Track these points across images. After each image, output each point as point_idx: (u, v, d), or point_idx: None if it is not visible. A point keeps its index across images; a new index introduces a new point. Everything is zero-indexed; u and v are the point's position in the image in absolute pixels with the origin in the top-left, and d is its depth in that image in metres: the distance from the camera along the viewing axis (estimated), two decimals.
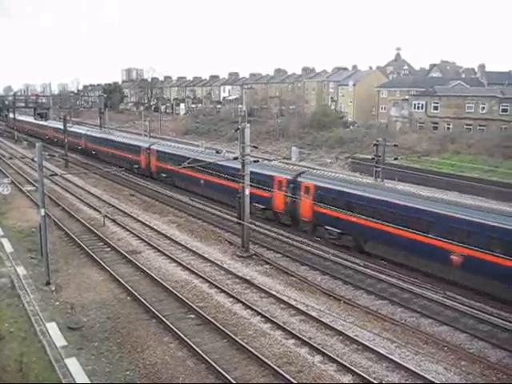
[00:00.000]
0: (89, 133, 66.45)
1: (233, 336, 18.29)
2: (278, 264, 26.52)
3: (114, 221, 34.04)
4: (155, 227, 32.84)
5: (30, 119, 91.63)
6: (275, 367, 16.21)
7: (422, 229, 23.88)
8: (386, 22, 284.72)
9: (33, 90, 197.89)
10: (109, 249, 28.71)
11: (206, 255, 27.55)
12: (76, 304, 21.03)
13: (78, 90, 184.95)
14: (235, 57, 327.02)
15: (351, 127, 76.60)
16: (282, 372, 15.95)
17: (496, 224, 21.45)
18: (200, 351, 17.15)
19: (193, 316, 20.27)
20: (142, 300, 21.35)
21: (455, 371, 16.49)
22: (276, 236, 31.22)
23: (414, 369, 16.41)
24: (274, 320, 19.76)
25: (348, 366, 16.53)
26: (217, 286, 23.20)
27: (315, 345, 17.85)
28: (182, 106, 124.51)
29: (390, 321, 20.12)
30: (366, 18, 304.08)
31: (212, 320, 19.53)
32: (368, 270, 25.50)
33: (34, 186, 41.69)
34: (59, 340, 17.75)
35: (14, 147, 77.36)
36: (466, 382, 16.04)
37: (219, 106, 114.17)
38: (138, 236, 30.91)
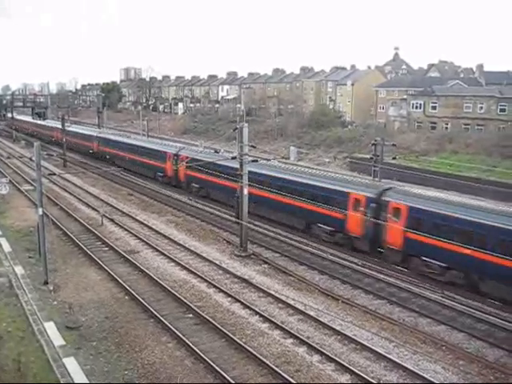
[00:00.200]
0: (102, 135, 61.88)
1: (231, 335, 18.30)
2: (276, 263, 26.52)
3: (112, 220, 34.01)
4: (153, 227, 32.82)
5: (37, 120, 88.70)
6: (273, 367, 16.22)
7: None
8: (384, 21, 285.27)
9: (31, 90, 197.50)
10: (107, 248, 28.68)
11: (204, 255, 27.54)
12: (74, 303, 21.00)
13: (76, 90, 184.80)
14: (233, 56, 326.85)
15: (349, 127, 76.66)
16: (280, 371, 15.96)
17: None
18: (198, 351, 17.15)
19: (191, 315, 20.26)
20: (140, 299, 21.33)
21: (453, 370, 16.52)
22: (274, 236, 31.20)
23: (412, 368, 16.43)
24: (273, 319, 19.77)
25: (346, 365, 16.54)
26: (215, 286, 23.19)
27: (313, 344, 17.87)
28: (181, 105, 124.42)
29: (388, 320, 20.13)
30: (364, 18, 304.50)
31: (210, 319, 19.53)
32: (366, 270, 25.51)
33: (32, 185, 41.65)
34: (57, 339, 17.75)
35: (12, 146, 77.20)
36: (464, 381, 16.07)
37: (217, 105, 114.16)
38: (136, 235, 30.88)
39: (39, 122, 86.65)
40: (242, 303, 21.35)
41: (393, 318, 20.38)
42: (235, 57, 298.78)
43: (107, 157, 57.83)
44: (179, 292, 22.31)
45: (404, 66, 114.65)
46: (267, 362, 16.49)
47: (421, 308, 21.40)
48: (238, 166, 27.82)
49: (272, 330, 19.11)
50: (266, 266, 26.43)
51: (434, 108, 68.93)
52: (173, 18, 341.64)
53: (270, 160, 40.06)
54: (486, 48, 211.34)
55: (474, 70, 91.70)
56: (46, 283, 23.05)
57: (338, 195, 27.69)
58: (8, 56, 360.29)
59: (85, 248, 28.05)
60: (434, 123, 67.98)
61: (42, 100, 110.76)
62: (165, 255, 27.39)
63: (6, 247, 27.95)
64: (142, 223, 33.75)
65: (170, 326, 18.99)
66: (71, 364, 16.18)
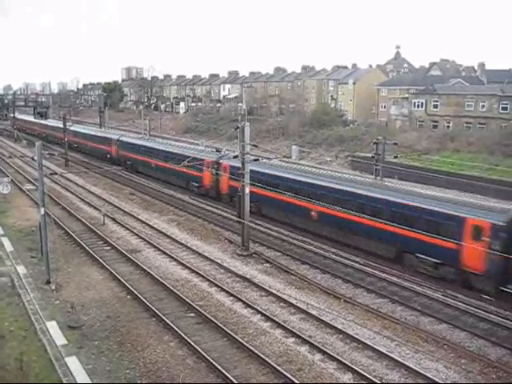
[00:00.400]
0: (123, 138, 55.35)
1: (233, 334, 18.30)
2: (278, 262, 26.51)
3: (114, 220, 34.05)
4: (155, 226, 32.84)
5: (48, 121, 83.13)
6: (275, 366, 16.23)
7: None
8: (385, 20, 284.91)
9: (32, 89, 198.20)
10: (109, 247, 28.70)
11: (206, 254, 27.55)
12: (76, 303, 21.02)
13: (78, 89, 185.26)
14: (235, 55, 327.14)
15: (351, 125, 76.53)
16: (282, 370, 15.96)
17: None
18: (200, 350, 17.16)
19: (193, 314, 20.27)
20: (142, 299, 21.36)
21: (455, 369, 16.51)
22: (276, 235, 31.18)
23: (414, 367, 16.42)
24: (274, 318, 19.76)
25: (348, 364, 16.54)
26: (217, 285, 23.20)
27: (315, 343, 17.86)
28: (182, 104, 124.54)
29: (390, 319, 20.12)
30: (365, 17, 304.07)
31: (212, 318, 19.54)
32: (368, 269, 25.48)
33: (33, 184, 41.70)
34: (59, 339, 17.76)
35: (14, 146, 77.28)
36: (466, 380, 16.05)
37: (219, 104, 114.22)
38: (137, 235, 30.90)
39: (48, 122, 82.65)
40: (243, 302, 21.35)
41: (395, 317, 20.37)
42: (237, 56, 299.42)
43: (128, 163, 52.20)
44: (181, 291, 22.32)
45: (405, 65, 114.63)
46: (269, 361, 16.49)
47: (423, 307, 21.37)
48: (315, 181, 26.66)
49: (274, 329, 19.11)
50: (267, 265, 26.43)
51: (435, 107, 68.84)
52: (174, 17, 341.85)
53: (271, 159, 39.84)
54: (488, 46, 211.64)
55: (476, 68, 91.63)
56: (48, 282, 23.09)
57: (448, 220, 23.13)
58: (9, 56, 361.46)
59: (87, 247, 28.08)
60: (436, 122, 67.88)
61: (43, 99, 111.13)
62: (166, 254, 27.40)
63: (8, 246, 27.98)
64: (144, 222, 33.78)
65: (171, 325, 19.01)
66: (73, 363, 16.19)
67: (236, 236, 30.33)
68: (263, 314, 20.18)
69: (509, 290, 20.92)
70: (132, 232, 31.49)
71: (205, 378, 15.95)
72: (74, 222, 33.85)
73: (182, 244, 29.27)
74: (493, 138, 55.63)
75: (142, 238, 30.19)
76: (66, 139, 58.63)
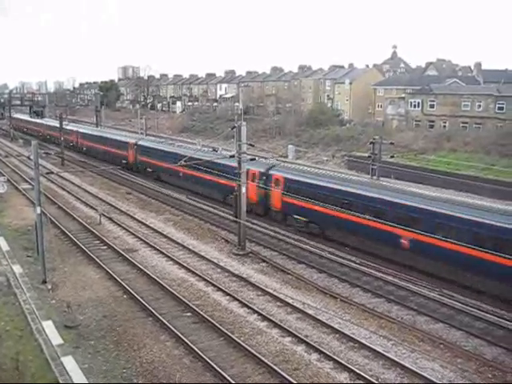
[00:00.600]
0: (143, 142, 49.80)
1: (229, 334, 18.31)
2: (274, 262, 26.52)
3: (110, 219, 33.98)
4: (151, 225, 32.80)
5: (50, 122, 78.85)
6: (272, 365, 16.24)
7: None
8: (382, 20, 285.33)
9: (28, 88, 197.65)
10: (105, 247, 28.65)
11: (202, 253, 27.53)
12: (72, 302, 20.97)
13: (74, 88, 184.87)
14: (232, 55, 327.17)
15: (348, 125, 76.67)
16: (278, 370, 15.97)
17: None
18: (196, 349, 17.16)
19: (189, 314, 20.27)
20: (139, 298, 21.34)
21: (451, 368, 16.54)
22: (273, 234, 31.20)
23: (410, 366, 16.46)
24: (271, 318, 19.77)
25: (344, 363, 16.57)
26: (213, 284, 23.19)
27: (312, 343, 17.88)
28: (179, 103, 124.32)
29: (387, 318, 20.16)
30: (362, 16, 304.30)
31: (208, 318, 19.53)
32: (364, 268, 25.52)
33: (30, 184, 41.57)
34: (55, 338, 17.71)
35: (10, 145, 77.04)
36: (462, 379, 16.09)
37: (215, 103, 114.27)
38: (134, 234, 30.86)
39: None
40: (240, 302, 21.35)
41: (391, 317, 20.41)
42: (233, 55, 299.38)
43: (149, 170, 47.62)
44: (177, 290, 22.31)
45: (402, 65, 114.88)
46: (265, 361, 16.50)
47: (419, 306, 21.42)
48: (389, 197, 24.42)
49: (270, 329, 19.13)
50: (264, 264, 26.44)
51: (431, 106, 68.96)
52: (171, 16, 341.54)
53: (267, 159, 39.81)
54: (484, 46, 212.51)
55: (472, 68, 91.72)
56: (44, 282, 23.03)
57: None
58: (6, 54, 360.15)
59: (83, 247, 28.03)
60: (432, 121, 68.00)
61: (39, 99, 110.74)
62: (163, 254, 27.38)
63: (4, 246, 27.88)
64: (141, 222, 33.73)
65: (168, 324, 18.99)
66: (69, 363, 16.13)
67: (232, 235, 30.33)
68: (260, 314, 20.19)
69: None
70: (128, 231, 31.44)
71: (201, 377, 15.95)
72: (71, 221, 33.77)
73: (178, 243, 29.25)
74: (489, 137, 55.78)
75: (139, 238, 30.15)
76: (62, 138, 58.37)
